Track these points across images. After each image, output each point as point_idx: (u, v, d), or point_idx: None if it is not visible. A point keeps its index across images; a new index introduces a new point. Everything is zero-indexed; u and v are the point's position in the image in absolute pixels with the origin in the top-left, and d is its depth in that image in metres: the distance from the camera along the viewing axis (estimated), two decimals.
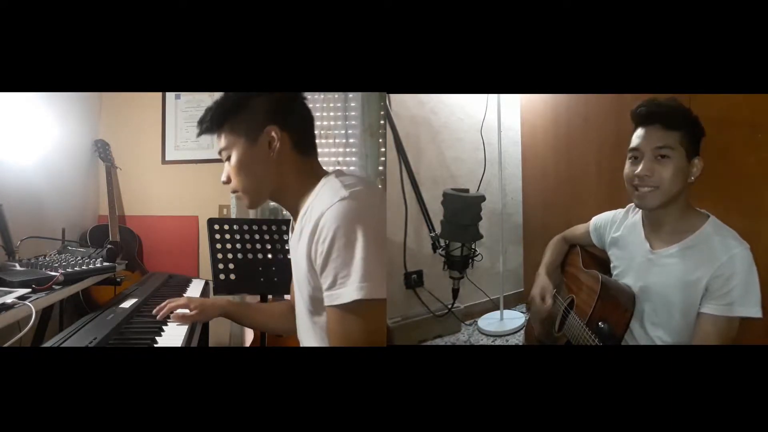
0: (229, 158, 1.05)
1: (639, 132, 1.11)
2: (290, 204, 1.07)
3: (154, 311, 1.34)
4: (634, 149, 1.11)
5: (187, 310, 1.31)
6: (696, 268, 1.07)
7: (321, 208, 0.93)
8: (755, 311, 1.03)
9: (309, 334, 1.05)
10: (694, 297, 1.07)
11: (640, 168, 1.09)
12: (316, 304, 0.99)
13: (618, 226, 1.28)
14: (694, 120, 1.09)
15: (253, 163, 1.03)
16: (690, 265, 1.08)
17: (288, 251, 1.79)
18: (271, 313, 1.36)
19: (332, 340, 0.95)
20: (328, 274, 0.91)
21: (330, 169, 1.08)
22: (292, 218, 1.11)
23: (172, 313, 1.31)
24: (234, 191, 1.07)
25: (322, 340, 1.01)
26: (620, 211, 1.30)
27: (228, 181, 1.07)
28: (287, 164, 1.04)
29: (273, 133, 1.02)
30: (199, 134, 1.07)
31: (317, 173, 1.05)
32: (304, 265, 0.97)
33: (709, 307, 1.05)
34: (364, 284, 0.88)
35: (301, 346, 1.11)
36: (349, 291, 0.89)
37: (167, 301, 1.35)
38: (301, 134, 1.06)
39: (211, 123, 1.04)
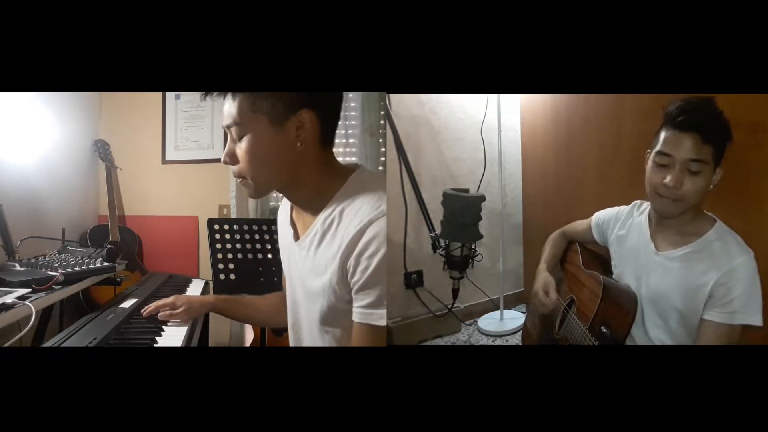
0: (241, 137, 0.89)
1: (672, 135, 1.06)
2: (304, 199, 0.96)
3: (143, 311, 1.33)
4: (665, 154, 1.05)
5: (174, 310, 1.30)
6: (700, 273, 1.06)
7: (368, 217, 0.85)
8: (756, 319, 1.03)
9: (315, 342, 0.98)
10: (696, 302, 1.07)
11: (669, 178, 1.04)
12: (333, 315, 0.92)
13: (623, 224, 1.27)
14: (728, 129, 1.05)
15: (273, 150, 0.89)
16: (694, 270, 1.07)
17: None
18: (261, 308, 1.32)
19: None
20: (372, 291, 0.84)
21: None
22: (294, 212, 1.02)
23: (159, 311, 1.30)
24: (240, 177, 0.92)
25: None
26: (624, 208, 1.29)
27: (231, 161, 0.92)
28: (309, 157, 0.91)
29: (306, 119, 0.88)
30: (205, 96, 0.91)
31: (338, 168, 0.95)
32: (332, 273, 0.88)
33: (711, 314, 1.05)
34: None
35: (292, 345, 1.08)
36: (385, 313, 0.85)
37: (156, 301, 1.34)
38: (332, 124, 0.94)
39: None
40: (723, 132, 1.05)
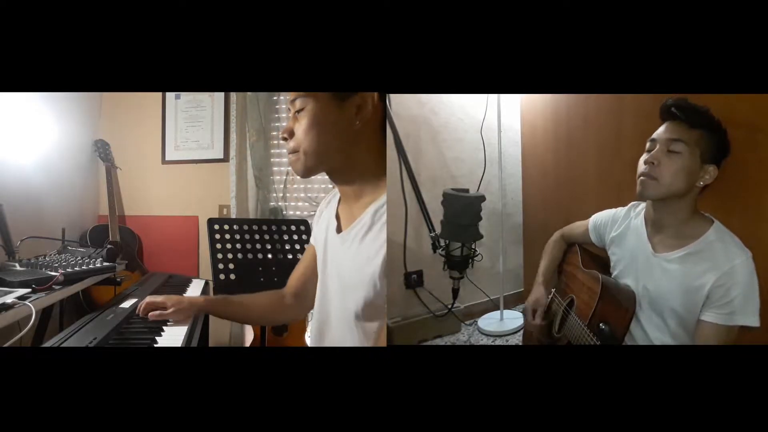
0: (302, 108, 0.92)
1: (661, 126, 1.12)
2: (355, 185, 0.95)
3: (137, 309, 1.31)
4: (651, 139, 1.12)
5: (163, 310, 1.28)
6: (698, 275, 1.06)
7: None
8: (754, 320, 1.03)
9: (344, 337, 0.97)
10: (694, 303, 1.07)
11: (648, 156, 1.09)
12: (370, 310, 0.90)
13: (619, 225, 1.27)
14: (721, 133, 1.09)
15: (330, 123, 0.91)
16: (692, 272, 1.07)
17: (289, 251, 1.79)
18: (253, 307, 1.31)
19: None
20: None
21: None
22: (341, 205, 1.01)
23: (150, 310, 1.28)
24: (293, 151, 0.94)
25: (362, 344, 0.94)
26: (621, 210, 1.29)
27: (288, 136, 0.94)
28: (367, 139, 0.92)
29: (368, 101, 0.91)
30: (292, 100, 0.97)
31: None
32: (376, 265, 0.87)
33: (709, 315, 1.05)
34: None
35: (310, 345, 1.07)
36: None
37: (147, 297, 1.32)
38: None
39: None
40: (714, 128, 1.08)
